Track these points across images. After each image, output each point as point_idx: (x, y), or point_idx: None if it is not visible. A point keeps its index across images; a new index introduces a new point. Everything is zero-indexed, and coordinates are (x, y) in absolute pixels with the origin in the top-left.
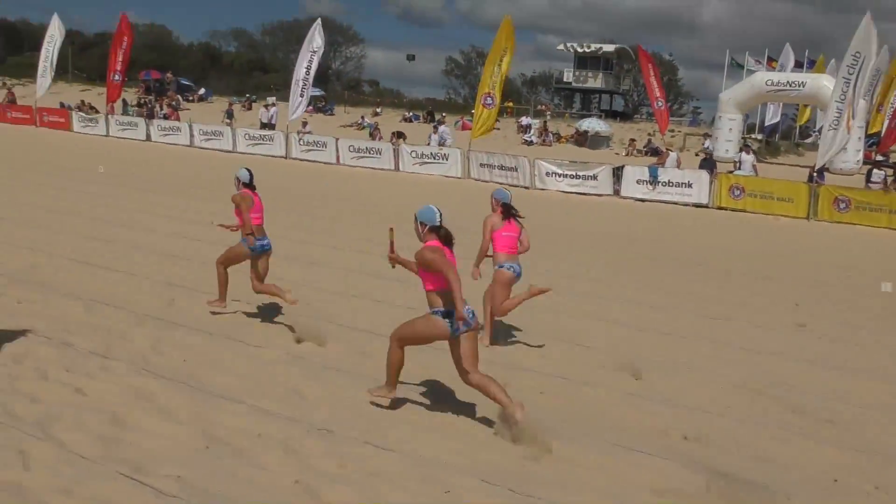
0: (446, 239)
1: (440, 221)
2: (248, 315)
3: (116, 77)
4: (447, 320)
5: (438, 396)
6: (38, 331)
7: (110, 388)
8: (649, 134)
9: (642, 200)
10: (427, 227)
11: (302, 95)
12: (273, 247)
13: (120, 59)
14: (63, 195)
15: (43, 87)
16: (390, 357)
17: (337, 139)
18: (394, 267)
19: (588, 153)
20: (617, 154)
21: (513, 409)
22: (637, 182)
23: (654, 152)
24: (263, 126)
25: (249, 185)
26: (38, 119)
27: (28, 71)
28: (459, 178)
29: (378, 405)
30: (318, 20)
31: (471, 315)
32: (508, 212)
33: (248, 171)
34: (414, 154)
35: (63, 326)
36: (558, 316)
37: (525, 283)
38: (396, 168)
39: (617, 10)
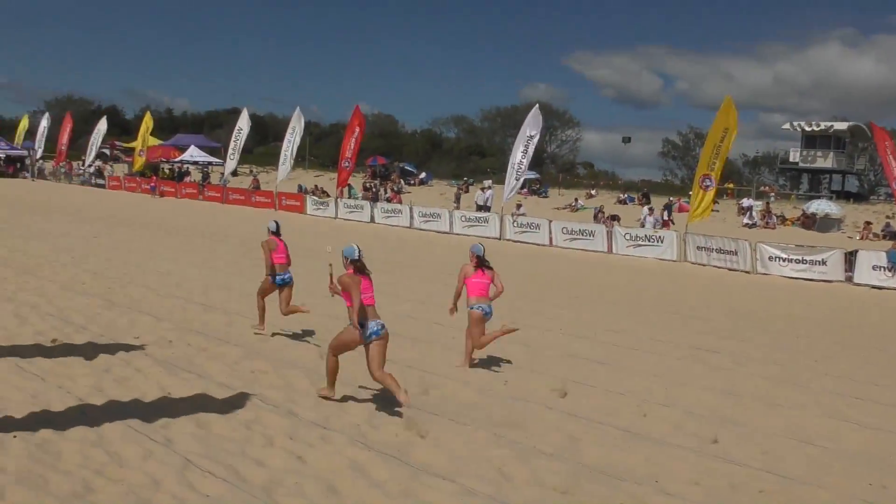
0: (361, 269)
1: (358, 256)
2: (455, 392)
3: (347, 164)
4: (360, 330)
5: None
6: (268, 399)
7: (328, 457)
8: (887, 216)
9: (879, 288)
10: (348, 259)
11: (517, 178)
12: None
13: (351, 146)
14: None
15: (283, 173)
16: (327, 364)
17: (550, 221)
18: (332, 296)
19: (816, 237)
20: (850, 238)
21: (400, 394)
22: (873, 268)
23: (893, 236)
24: (479, 208)
25: (276, 233)
26: (278, 202)
27: (271, 159)
28: (675, 260)
29: (327, 398)
30: (536, 106)
31: (379, 327)
32: (481, 262)
33: (276, 222)
34: (628, 236)
35: (289, 396)
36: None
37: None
38: (609, 250)
39: (847, 85)
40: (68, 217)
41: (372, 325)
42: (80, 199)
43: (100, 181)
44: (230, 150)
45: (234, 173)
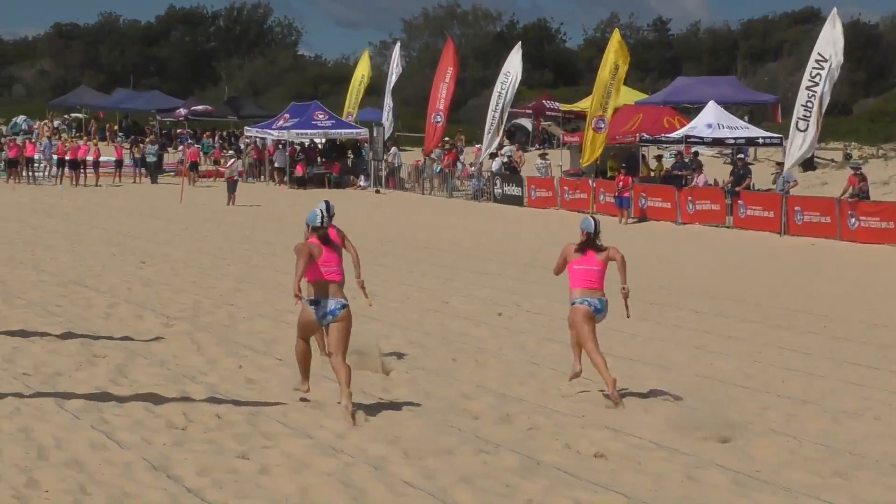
0: (324, 239)
1: (321, 222)
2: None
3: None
4: (313, 307)
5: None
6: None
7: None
8: None
9: None
10: (309, 227)
11: None
12: None
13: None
14: None
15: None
16: (296, 351)
17: None
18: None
19: None
20: None
21: (343, 397)
22: None
23: None
24: None
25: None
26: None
27: None
28: None
29: (304, 398)
30: None
31: (338, 307)
32: (589, 243)
33: (325, 203)
34: None
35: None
36: None
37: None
38: None
39: None
40: None
41: (329, 304)
42: None
43: None
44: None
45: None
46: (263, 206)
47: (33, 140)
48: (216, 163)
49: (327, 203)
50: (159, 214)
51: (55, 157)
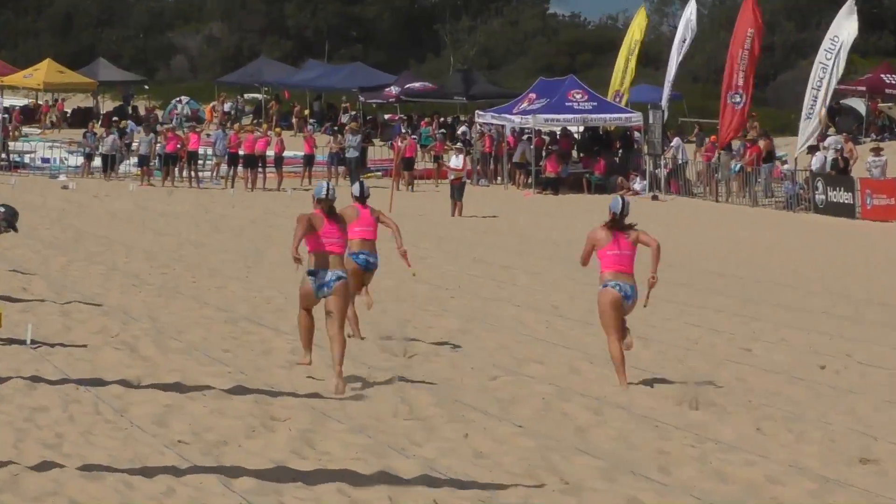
0: (329, 211)
1: (326, 194)
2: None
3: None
4: (311, 278)
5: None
6: None
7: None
8: None
9: None
10: (315, 198)
11: None
12: None
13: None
14: None
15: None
16: (298, 322)
17: None
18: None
19: None
20: None
21: (334, 374)
22: None
23: None
24: None
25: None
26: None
27: None
28: None
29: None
30: None
31: (334, 277)
32: (616, 224)
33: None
34: None
35: None
36: None
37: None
38: None
39: None
40: None
41: (327, 276)
42: None
43: None
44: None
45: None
46: (500, 218)
47: (198, 129)
48: (437, 159)
49: (361, 184)
50: None
51: (226, 151)
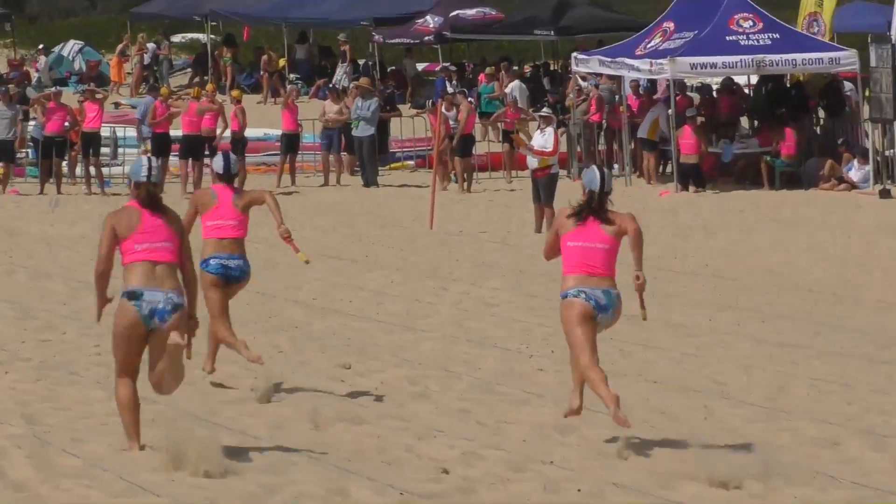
0: (147, 200)
1: (147, 176)
2: None
3: None
4: (132, 302)
5: None
6: None
7: None
8: None
9: None
10: (131, 183)
11: None
12: None
13: None
14: None
15: None
16: (116, 395)
17: None
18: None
19: None
20: None
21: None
22: None
23: None
24: None
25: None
26: None
27: None
28: None
29: None
30: None
31: (168, 307)
32: (591, 207)
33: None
34: None
35: None
36: None
37: None
38: None
39: None
40: None
41: (156, 298)
42: None
43: None
44: None
45: None
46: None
47: (100, 95)
48: (509, 137)
49: (226, 155)
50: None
51: (150, 133)
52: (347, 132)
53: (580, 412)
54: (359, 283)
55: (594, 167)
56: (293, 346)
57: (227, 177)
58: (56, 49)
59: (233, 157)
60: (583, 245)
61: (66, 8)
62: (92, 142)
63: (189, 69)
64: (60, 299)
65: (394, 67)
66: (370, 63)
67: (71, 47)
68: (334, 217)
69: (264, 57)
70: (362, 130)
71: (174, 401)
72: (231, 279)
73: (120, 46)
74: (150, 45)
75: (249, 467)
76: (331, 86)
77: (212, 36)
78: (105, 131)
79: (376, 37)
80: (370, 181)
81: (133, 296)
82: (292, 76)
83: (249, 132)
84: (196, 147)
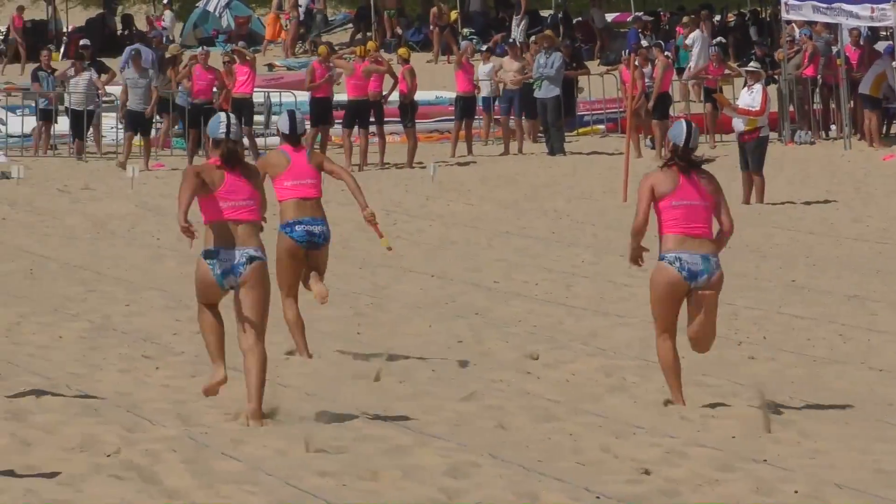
0: (229, 158)
1: (226, 132)
2: None
3: None
4: (210, 261)
5: None
6: None
7: None
8: None
9: None
10: (210, 140)
11: None
12: None
13: None
14: None
15: None
16: (200, 325)
17: None
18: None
19: None
20: None
21: (248, 415)
22: None
23: None
24: None
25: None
26: None
27: None
28: None
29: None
30: None
31: (242, 260)
32: (685, 161)
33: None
34: None
35: None
36: None
37: None
38: None
39: None
40: None
41: (233, 256)
42: None
43: None
44: None
45: None
46: (845, 206)
47: (250, 56)
48: (711, 95)
49: (291, 114)
50: None
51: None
52: (528, 94)
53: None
54: (545, 264)
55: (682, 121)
56: (473, 334)
57: (293, 137)
58: (200, 4)
59: (299, 114)
60: (683, 203)
61: None
62: (243, 108)
63: (350, 25)
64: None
65: (580, 18)
66: (553, 14)
67: (217, 2)
68: (516, 190)
69: (434, 9)
70: (546, 91)
71: (344, 397)
72: (313, 246)
73: (276, 0)
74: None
75: (429, 469)
76: (511, 41)
77: None
78: (258, 97)
79: None
80: (556, 149)
81: (209, 254)
82: (466, 31)
83: (419, 95)
84: (362, 113)
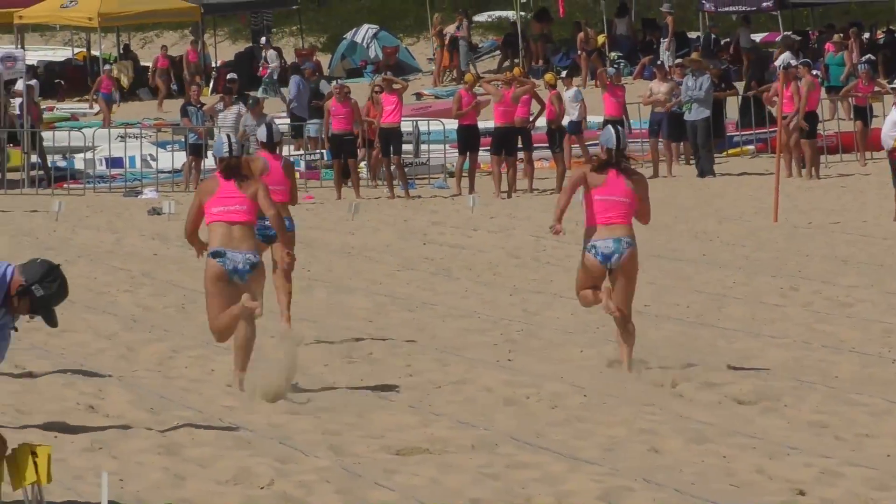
0: (229, 170)
1: (229, 151)
2: None
3: None
4: (217, 259)
5: None
6: None
7: None
8: None
9: None
10: (216, 158)
11: None
12: None
13: None
14: None
15: None
16: (217, 329)
17: None
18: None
19: None
20: None
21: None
22: None
23: None
24: None
25: (267, 144)
26: None
27: None
28: None
29: None
30: None
31: (247, 263)
32: (613, 160)
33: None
34: None
35: None
36: None
37: None
38: None
39: None
40: None
41: (237, 259)
42: None
43: None
44: None
45: None
46: None
47: (398, 86)
48: (861, 114)
49: (269, 126)
50: None
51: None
52: (675, 116)
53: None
54: (696, 286)
55: (611, 127)
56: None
57: (270, 145)
58: (348, 35)
59: (275, 126)
60: (606, 198)
61: None
62: (391, 138)
63: (497, 52)
64: (365, 315)
65: (727, 40)
66: (706, 36)
67: (365, 32)
68: (665, 212)
69: (581, 34)
70: (695, 114)
71: (498, 422)
72: (270, 240)
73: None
74: (454, 27)
75: (582, 495)
76: (658, 63)
77: (521, 13)
78: (406, 126)
79: (706, 5)
80: (706, 170)
81: (217, 254)
82: (613, 55)
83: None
84: (510, 140)
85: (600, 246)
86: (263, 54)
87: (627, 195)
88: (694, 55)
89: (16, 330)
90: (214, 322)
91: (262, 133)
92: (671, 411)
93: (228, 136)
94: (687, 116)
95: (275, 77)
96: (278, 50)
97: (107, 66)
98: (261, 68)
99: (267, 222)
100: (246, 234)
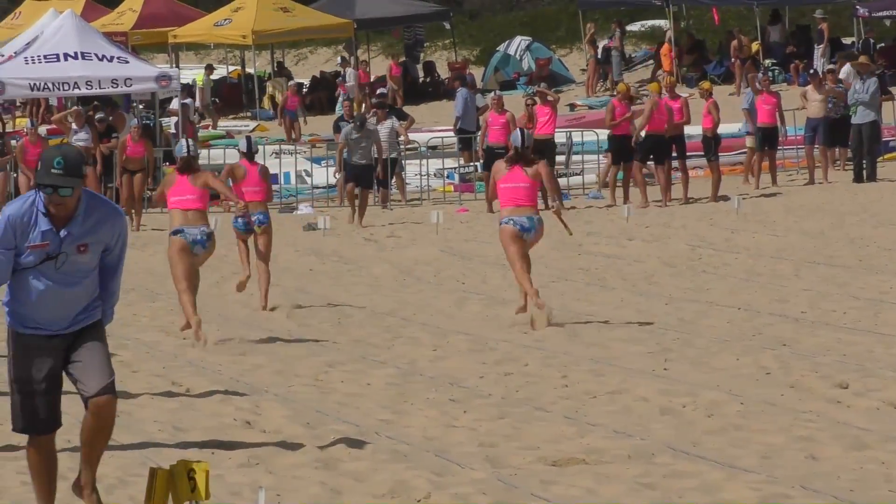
0: (185, 166)
1: (188, 150)
2: None
3: None
4: (177, 235)
5: None
6: None
7: None
8: None
9: None
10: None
11: None
12: None
13: None
14: None
15: None
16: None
17: None
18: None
19: None
20: None
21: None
22: None
23: None
24: None
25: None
26: None
27: None
28: None
29: None
30: None
31: (202, 236)
32: (518, 157)
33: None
34: None
35: None
36: None
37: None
38: None
39: None
40: None
41: (194, 231)
42: None
43: None
44: None
45: None
46: None
47: (552, 98)
48: None
49: (248, 139)
50: None
51: None
52: (831, 122)
53: (526, 310)
54: (853, 292)
55: (518, 129)
56: (781, 365)
57: (249, 154)
58: (501, 48)
59: (253, 137)
60: (511, 185)
61: (509, 0)
62: (545, 149)
63: (650, 61)
64: (520, 327)
65: (883, 44)
66: (864, 40)
67: (518, 44)
68: (822, 218)
69: (734, 42)
70: (862, 116)
71: (654, 432)
72: (250, 231)
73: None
74: (608, 40)
75: (740, 503)
76: (812, 70)
77: (669, 25)
78: (559, 137)
79: (860, 10)
80: (870, 174)
81: (177, 231)
82: (767, 62)
83: (722, 128)
84: (662, 148)
85: (516, 220)
86: (342, 72)
87: (527, 182)
88: (862, 58)
89: None
90: (180, 282)
91: (242, 144)
92: (829, 418)
93: (187, 140)
94: (854, 120)
95: (351, 96)
96: (431, 64)
97: (291, 83)
98: (338, 87)
99: (241, 219)
100: (198, 216)
